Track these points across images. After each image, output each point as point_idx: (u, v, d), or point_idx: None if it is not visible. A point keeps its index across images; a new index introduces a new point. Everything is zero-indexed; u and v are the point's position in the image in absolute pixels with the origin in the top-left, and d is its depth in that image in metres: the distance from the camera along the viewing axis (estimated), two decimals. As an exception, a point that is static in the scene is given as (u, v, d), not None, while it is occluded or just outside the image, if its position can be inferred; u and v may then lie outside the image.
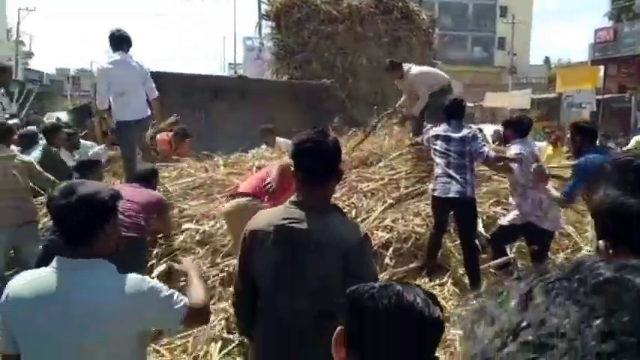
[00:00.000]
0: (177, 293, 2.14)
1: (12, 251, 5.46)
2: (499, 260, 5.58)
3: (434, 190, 5.61)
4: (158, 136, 8.49)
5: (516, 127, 5.74)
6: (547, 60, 54.00)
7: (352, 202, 6.38)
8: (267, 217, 2.48)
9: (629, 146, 6.45)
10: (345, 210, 6.21)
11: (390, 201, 6.42)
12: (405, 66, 7.90)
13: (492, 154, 5.67)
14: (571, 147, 5.98)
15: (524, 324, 0.55)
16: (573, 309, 0.54)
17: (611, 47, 24.90)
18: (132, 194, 4.91)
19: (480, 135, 5.71)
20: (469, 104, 17.67)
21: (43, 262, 2.10)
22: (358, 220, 5.88)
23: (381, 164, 7.21)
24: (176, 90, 9.68)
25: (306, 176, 2.43)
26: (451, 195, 5.41)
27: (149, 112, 6.56)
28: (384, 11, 12.60)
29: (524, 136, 5.69)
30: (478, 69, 46.70)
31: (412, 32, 12.80)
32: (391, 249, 5.63)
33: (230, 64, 39.98)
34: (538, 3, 68.64)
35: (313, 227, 2.35)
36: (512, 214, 5.60)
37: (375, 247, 5.47)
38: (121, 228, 4.13)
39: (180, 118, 8.59)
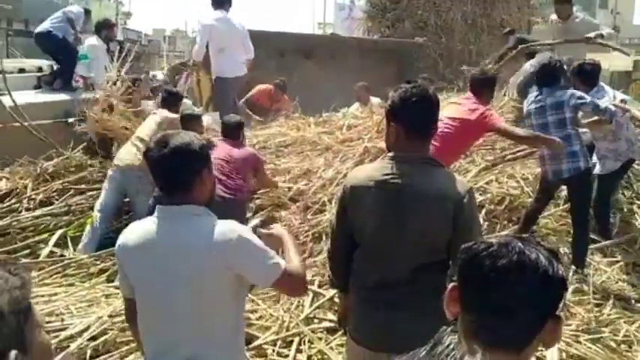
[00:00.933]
0: (274, 253, 2.15)
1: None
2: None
3: (544, 172, 5.12)
4: (258, 87, 8.62)
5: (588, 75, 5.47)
6: (655, 19, 50.41)
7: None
8: (367, 172, 2.46)
9: None
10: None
11: (485, 163, 6.29)
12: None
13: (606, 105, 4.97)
14: None
15: None
16: None
17: None
18: (228, 153, 5.03)
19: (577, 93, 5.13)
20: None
21: (152, 213, 2.22)
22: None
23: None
24: (269, 49, 9.75)
25: (411, 129, 2.38)
26: (564, 176, 4.93)
27: (245, 71, 6.67)
28: (480, -35, 12.11)
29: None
30: (578, 28, 44.18)
31: (511, -13, 12.24)
32: (484, 211, 5.52)
33: (319, 23, 39.82)
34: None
35: (417, 180, 2.32)
36: (610, 163, 5.40)
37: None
38: (219, 187, 4.27)
39: (274, 79, 8.70)
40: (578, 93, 4.96)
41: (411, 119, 2.38)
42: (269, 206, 5.72)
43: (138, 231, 2.16)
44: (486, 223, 5.45)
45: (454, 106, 4.78)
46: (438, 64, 11.89)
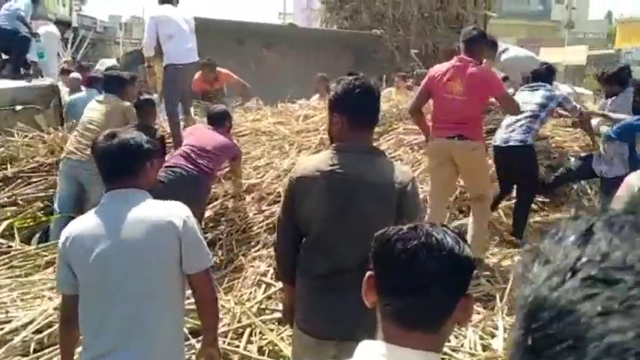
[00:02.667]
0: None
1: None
2: None
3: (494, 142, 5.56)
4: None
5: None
6: (609, 14, 51.68)
7: (399, 155, 6.34)
8: (313, 163, 2.50)
9: None
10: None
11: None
12: (502, 46, 7.21)
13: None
14: None
15: (584, 259, 0.51)
16: None
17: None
18: (211, 138, 5.25)
19: None
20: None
21: None
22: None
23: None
24: (228, 38, 9.66)
25: (355, 119, 2.43)
26: (510, 144, 5.32)
27: (197, 58, 6.57)
28: (438, -39, 12.19)
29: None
30: (535, 23, 45.09)
31: (466, -17, 12.36)
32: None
33: (280, 13, 39.60)
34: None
35: (363, 169, 2.37)
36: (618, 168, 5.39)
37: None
38: (184, 163, 4.31)
39: (232, 67, 8.60)
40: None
41: (354, 110, 2.42)
42: (223, 196, 5.68)
43: (85, 221, 2.27)
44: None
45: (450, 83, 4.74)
46: (395, 56, 11.97)
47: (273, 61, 10.33)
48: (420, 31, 12.25)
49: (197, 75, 8.21)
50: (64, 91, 8.31)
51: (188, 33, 6.39)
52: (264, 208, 5.51)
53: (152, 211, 2.23)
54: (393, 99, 8.24)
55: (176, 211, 2.24)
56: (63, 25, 9.81)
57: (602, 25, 46.15)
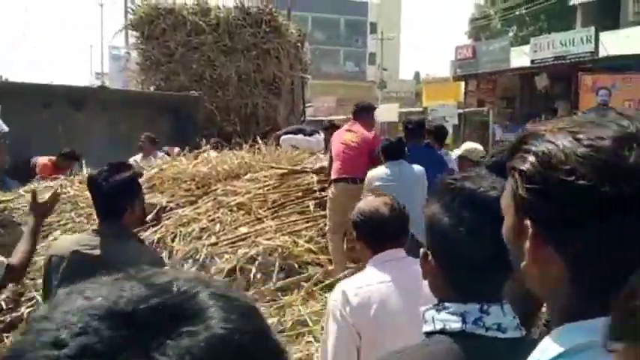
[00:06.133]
0: None
1: None
2: None
3: None
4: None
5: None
6: (417, 75, 56.60)
7: (218, 217, 6.22)
8: (66, 242, 2.70)
9: (459, 152, 6.94)
10: (209, 224, 6.09)
11: (258, 215, 6.33)
12: None
13: None
14: None
15: None
16: None
17: (471, 64, 26.46)
18: None
19: None
20: (341, 117, 18.06)
21: None
22: (221, 235, 5.79)
23: (247, 177, 7.10)
24: (33, 102, 9.11)
25: (97, 212, 2.67)
26: None
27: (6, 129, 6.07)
28: (252, 24, 12.49)
29: None
30: (350, 83, 48.08)
31: (281, 46, 12.76)
32: (256, 263, 5.53)
33: (97, 73, 38.31)
34: (406, 20, 72.28)
35: (105, 250, 2.45)
36: None
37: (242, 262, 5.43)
38: None
39: (38, 131, 8.10)
40: None
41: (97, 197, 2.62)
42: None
43: None
44: (259, 274, 5.48)
45: (349, 133, 6.30)
46: (215, 116, 11.99)
47: (84, 124, 9.80)
48: (238, 92, 12.42)
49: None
50: None
51: None
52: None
53: None
54: (212, 161, 8.16)
55: None
56: None
57: (411, 84, 50.35)
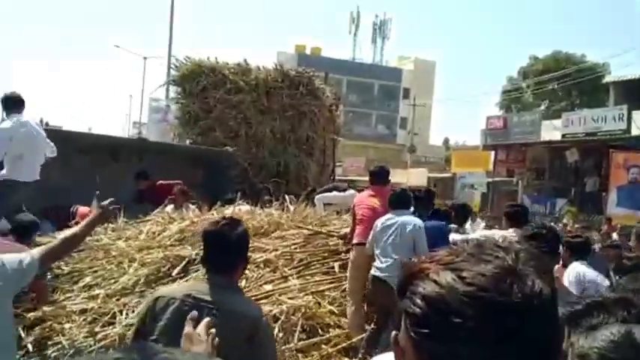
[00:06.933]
0: None
1: None
2: None
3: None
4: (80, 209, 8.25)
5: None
6: (446, 141, 56.95)
7: (244, 273, 6.31)
8: (174, 288, 2.86)
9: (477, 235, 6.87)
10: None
11: (283, 273, 6.41)
12: None
13: None
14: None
15: None
16: None
17: (502, 134, 26.64)
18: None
19: None
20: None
21: None
22: (247, 291, 5.86)
23: (275, 234, 7.22)
24: (72, 149, 9.41)
25: (211, 264, 2.65)
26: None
27: (37, 177, 6.32)
28: (289, 86, 12.86)
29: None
30: (381, 145, 48.51)
31: (316, 108, 13.09)
32: (279, 322, 5.58)
33: (135, 122, 39.28)
34: (440, 87, 73.53)
35: (217, 298, 2.48)
36: None
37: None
38: None
39: (77, 178, 8.34)
40: None
41: (210, 256, 2.67)
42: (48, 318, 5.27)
43: None
44: (280, 334, 5.51)
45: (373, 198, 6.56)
46: (247, 172, 12.22)
47: (120, 173, 10.09)
48: (271, 150, 12.71)
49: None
50: None
51: (40, 148, 6.12)
52: (97, 329, 5.17)
53: None
54: (241, 217, 8.31)
55: None
56: None
57: (440, 150, 50.61)
